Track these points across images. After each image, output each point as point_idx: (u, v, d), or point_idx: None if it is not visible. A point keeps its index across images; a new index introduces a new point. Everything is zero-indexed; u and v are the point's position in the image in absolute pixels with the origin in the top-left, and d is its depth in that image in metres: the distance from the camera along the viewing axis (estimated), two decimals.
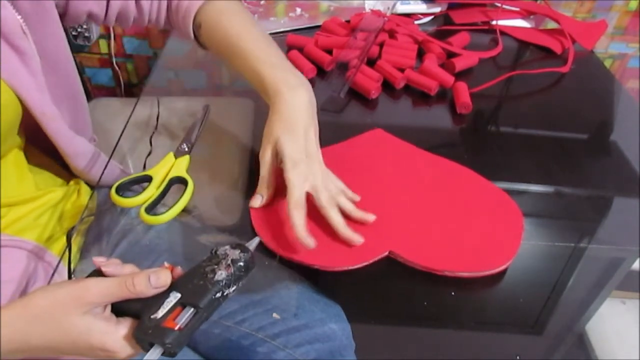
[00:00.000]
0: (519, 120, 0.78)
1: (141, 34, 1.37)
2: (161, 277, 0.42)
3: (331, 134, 0.73)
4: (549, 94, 0.84)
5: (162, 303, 0.41)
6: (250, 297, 0.61)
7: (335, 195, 0.57)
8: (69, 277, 0.53)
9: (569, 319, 0.71)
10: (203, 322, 0.42)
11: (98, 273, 0.43)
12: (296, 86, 0.58)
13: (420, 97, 0.79)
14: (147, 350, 0.40)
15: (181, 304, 0.41)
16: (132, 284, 0.41)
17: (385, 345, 0.72)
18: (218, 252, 0.44)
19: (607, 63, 1.39)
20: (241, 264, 0.43)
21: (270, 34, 0.92)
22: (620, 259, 0.70)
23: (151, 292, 0.41)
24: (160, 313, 0.40)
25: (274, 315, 0.59)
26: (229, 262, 0.43)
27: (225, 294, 0.42)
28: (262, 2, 1.01)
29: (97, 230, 0.64)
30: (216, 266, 0.43)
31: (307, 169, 0.55)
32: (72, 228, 0.53)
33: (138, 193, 0.59)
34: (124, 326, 0.41)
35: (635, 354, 1.12)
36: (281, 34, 0.92)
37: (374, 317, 0.64)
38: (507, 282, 0.55)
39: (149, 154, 0.68)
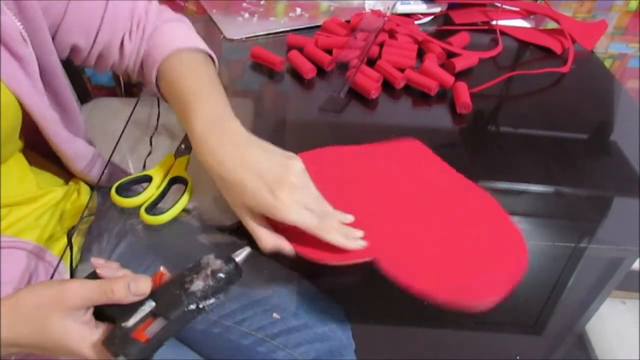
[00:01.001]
0: (519, 120, 0.78)
1: None
2: (140, 286, 0.41)
3: (331, 134, 0.73)
4: (549, 94, 0.84)
5: (137, 311, 0.40)
6: (250, 297, 0.61)
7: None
8: (71, 277, 0.53)
9: (569, 319, 0.71)
10: (173, 334, 0.41)
11: (95, 274, 0.43)
12: (220, 154, 0.51)
13: (420, 97, 0.79)
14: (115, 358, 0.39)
15: (153, 314, 0.40)
16: (111, 290, 0.40)
17: (385, 345, 0.72)
18: (201, 261, 0.43)
19: (607, 63, 1.39)
20: (221, 275, 0.42)
21: (270, 34, 0.93)
22: (620, 259, 0.70)
23: (130, 299, 0.41)
24: (131, 322, 0.40)
25: (274, 315, 0.59)
26: (208, 272, 0.42)
27: (200, 306, 0.41)
28: (262, 2, 1.01)
29: (97, 230, 0.64)
30: (195, 276, 0.41)
31: (289, 199, 0.49)
32: (73, 227, 0.54)
33: (138, 193, 0.59)
34: (99, 332, 0.41)
35: (635, 354, 1.12)
36: (281, 34, 0.92)
37: (374, 317, 0.64)
38: None
39: (149, 154, 0.68)
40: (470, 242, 0.55)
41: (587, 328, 1.16)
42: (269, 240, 0.50)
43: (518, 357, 0.57)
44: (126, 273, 0.44)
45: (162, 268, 0.43)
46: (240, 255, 0.45)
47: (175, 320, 0.40)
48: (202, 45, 0.62)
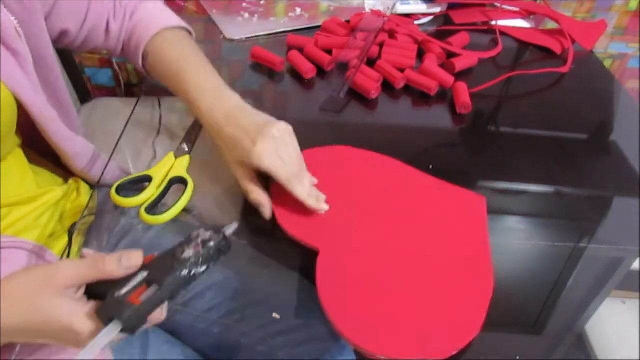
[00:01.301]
0: (519, 120, 0.78)
1: None
2: (132, 258, 0.42)
3: (331, 134, 0.73)
4: (549, 94, 0.84)
5: (129, 281, 0.41)
6: (250, 297, 0.61)
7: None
8: None
9: (569, 319, 0.71)
10: (166, 299, 0.42)
11: None
12: (220, 109, 0.58)
13: (420, 97, 0.79)
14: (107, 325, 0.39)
15: (146, 282, 0.41)
16: (103, 263, 0.41)
17: None
18: (192, 234, 0.44)
19: (607, 63, 1.39)
20: (211, 244, 0.43)
21: (270, 34, 0.93)
22: (620, 259, 0.70)
23: (121, 272, 0.41)
24: (124, 290, 0.40)
25: (274, 314, 0.59)
26: (199, 242, 0.43)
27: (192, 273, 0.42)
28: (262, 2, 1.01)
29: (97, 230, 0.64)
30: (186, 246, 0.43)
31: (264, 147, 0.54)
32: (74, 224, 0.54)
33: (138, 193, 0.59)
34: (91, 306, 0.41)
35: (635, 354, 1.12)
36: (281, 34, 0.92)
37: None
38: (507, 282, 0.55)
39: (154, 157, 0.68)
40: (432, 292, 0.51)
41: (587, 328, 1.15)
42: (254, 192, 0.56)
43: (518, 357, 0.57)
44: None
45: (156, 254, 0.44)
46: (230, 229, 0.47)
47: (168, 286, 0.41)
48: (180, 22, 0.67)
